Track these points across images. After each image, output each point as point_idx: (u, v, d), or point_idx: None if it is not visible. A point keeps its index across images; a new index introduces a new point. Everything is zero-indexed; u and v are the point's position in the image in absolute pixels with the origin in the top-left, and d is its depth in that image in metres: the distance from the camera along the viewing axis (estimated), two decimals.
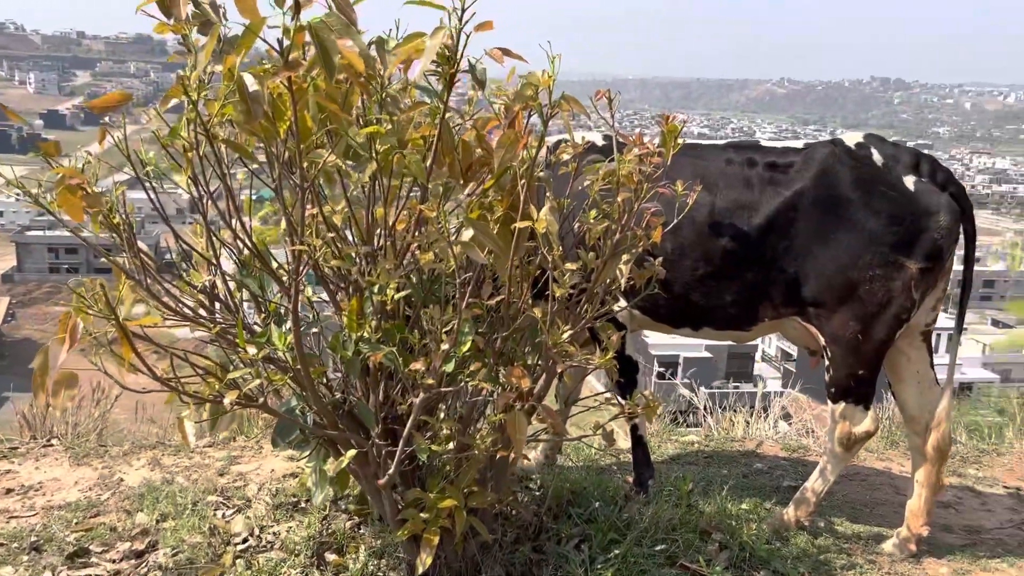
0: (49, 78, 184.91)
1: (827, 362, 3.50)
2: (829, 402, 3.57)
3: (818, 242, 3.37)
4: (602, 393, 3.19)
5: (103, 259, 2.50)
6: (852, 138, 3.53)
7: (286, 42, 2.08)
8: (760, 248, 3.43)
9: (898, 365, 3.64)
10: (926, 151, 3.81)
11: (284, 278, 2.59)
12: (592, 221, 2.70)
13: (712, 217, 3.46)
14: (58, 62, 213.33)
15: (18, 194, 2.37)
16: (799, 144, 3.58)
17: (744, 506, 3.82)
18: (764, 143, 3.67)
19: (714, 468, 4.57)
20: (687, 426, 5.85)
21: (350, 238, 2.75)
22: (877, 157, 3.41)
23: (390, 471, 2.64)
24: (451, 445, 2.69)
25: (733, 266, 3.47)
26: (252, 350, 2.40)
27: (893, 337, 3.43)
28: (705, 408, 5.82)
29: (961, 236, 3.43)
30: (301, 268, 2.34)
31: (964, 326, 3.68)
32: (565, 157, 2.79)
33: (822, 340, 3.48)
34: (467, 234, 2.37)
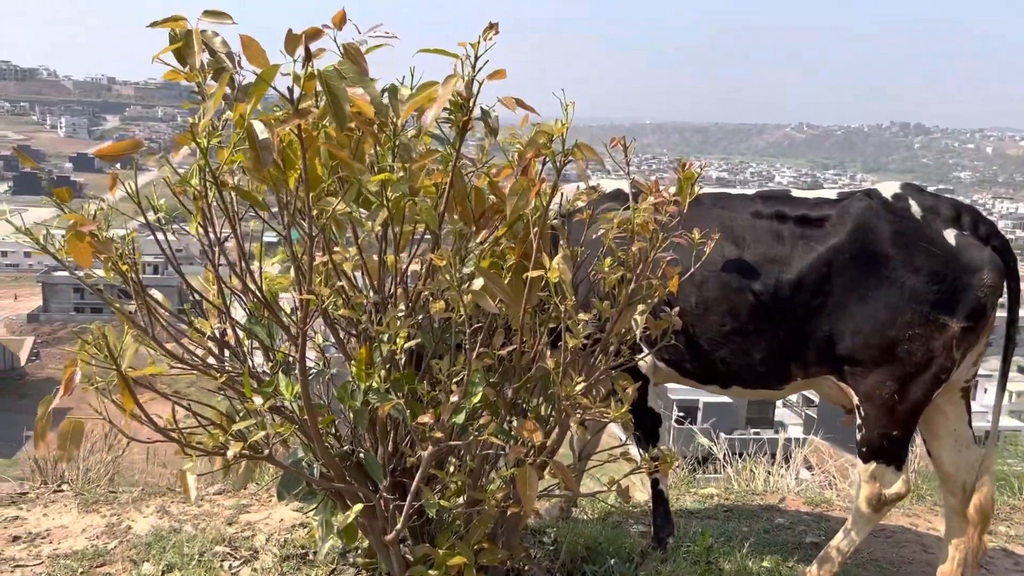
0: (80, 122, 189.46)
1: (859, 420, 3.35)
2: (859, 461, 3.41)
3: (854, 299, 3.23)
4: (618, 447, 3.09)
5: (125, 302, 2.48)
6: (889, 188, 3.36)
7: (296, 90, 2.06)
8: (792, 305, 3.29)
9: (934, 422, 3.47)
10: (948, 195, 3.69)
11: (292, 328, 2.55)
12: (607, 270, 2.64)
13: (740, 272, 3.33)
14: (89, 107, 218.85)
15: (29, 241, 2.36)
16: (832, 195, 3.43)
17: (765, 563, 3.68)
18: (795, 193, 3.52)
19: (734, 523, 4.42)
20: (706, 474, 5.70)
21: (360, 284, 2.71)
22: (916, 209, 3.25)
23: (398, 526, 2.57)
24: (461, 500, 2.61)
25: (763, 323, 3.33)
26: (258, 400, 2.36)
27: (931, 397, 3.26)
28: (724, 457, 5.67)
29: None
30: (308, 317, 2.29)
31: (991, 373, 3.55)
32: (580, 204, 2.74)
33: (856, 399, 3.33)
34: (477, 283, 2.33)
